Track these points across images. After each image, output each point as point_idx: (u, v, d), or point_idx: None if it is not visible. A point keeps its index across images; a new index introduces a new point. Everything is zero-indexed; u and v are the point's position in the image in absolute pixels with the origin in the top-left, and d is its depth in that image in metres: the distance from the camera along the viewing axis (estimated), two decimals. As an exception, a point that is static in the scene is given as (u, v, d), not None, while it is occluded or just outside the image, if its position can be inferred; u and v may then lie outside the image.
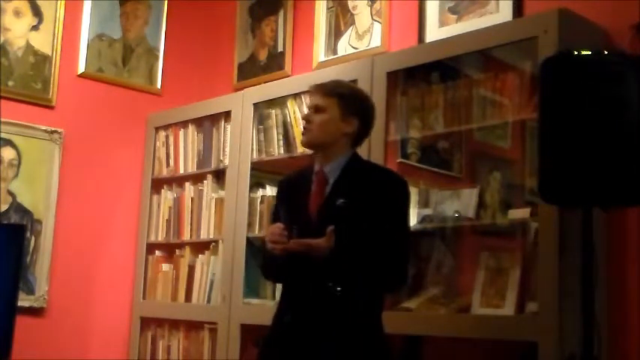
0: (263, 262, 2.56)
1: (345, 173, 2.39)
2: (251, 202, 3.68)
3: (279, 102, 3.67)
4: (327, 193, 2.37)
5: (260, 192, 3.72)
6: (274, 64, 4.17)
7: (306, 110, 3.45)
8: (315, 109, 2.41)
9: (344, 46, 3.83)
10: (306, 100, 3.51)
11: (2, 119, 3.78)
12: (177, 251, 4.10)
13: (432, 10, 3.44)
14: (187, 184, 4.07)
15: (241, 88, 4.04)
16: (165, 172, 4.24)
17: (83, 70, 4.15)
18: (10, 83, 3.88)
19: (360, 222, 2.28)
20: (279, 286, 3.05)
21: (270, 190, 3.66)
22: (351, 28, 3.82)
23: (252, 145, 3.72)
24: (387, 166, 2.99)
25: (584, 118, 2.27)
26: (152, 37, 4.42)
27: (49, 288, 3.91)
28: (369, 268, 2.29)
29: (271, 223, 2.52)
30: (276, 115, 3.67)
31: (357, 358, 2.27)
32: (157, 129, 4.30)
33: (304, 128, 2.43)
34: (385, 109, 3.14)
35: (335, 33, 3.89)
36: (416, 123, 3.17)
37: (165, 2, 4.48)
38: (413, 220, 3.19)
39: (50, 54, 4.01)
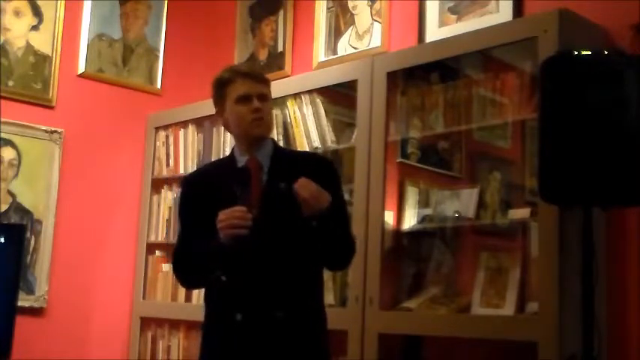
0: (189, 261, 2.33)
1: (276, 159, 2.36)
2: (251, 202, 3.68)
3: (279, 102, 3.66)
4: (265, 180, 2.31)
5: (260, 192, 3.71)
6: (274, 64, 4.17)
7: (305, 109, 3.50)
8: (261, 97, 2.34)
9: (344, 46, 3.83)
10: (305, 100, 3.51)
11: (2, 119, 3.78)
12: (178, 251, 4.09)
13: (432, 10, 3.44)
14: (187, 184, 4.07)
15: (241, 88, 4.03)
16: (165, 172, 4.24)
17: (83, 70, 4.15)
18: (10, 83, 3.88)
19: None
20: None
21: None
22: (351, 28, 3.82)
23: (252, 145, 3.71)
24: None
25: (584, 118, 2.27)
26: (152, 37, 4.42)
27: (49, 288, 3.91)
28: (338, 241, 2.30)
29: (184, 224, 2.40)
30: (276, 115, 3.67)
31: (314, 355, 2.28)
32: (157, 129, 4.30)
33: (259, 119, 2.31)
34: (385, 109, 3.14)
35: (335, 33, 3.89)
36: (416, 123, 3.17)
37: (165, 2, 4.48)
38: (413, 220, 3.20)
39: (50, 54, 4.01)
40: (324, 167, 2.40)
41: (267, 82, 2.41)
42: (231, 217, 2.13)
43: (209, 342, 2.34)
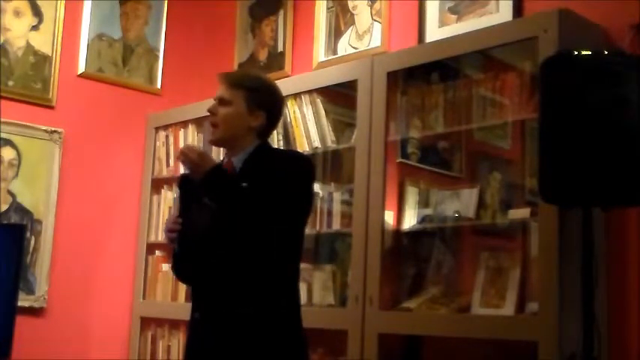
0: (173, 261, 2.49)
1: (250, 161, 2.33)
2: (251, 202, 3.67)
3: (279, 102, 3.66)
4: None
5: (260, 192, 3.71)
6: (274, 64, 4.17)
7: (305, 109, 3.50)
8: (220, 101, 2.35)
9: (344, 46, 3.83)
10: (305, 100, 3.52)
11: (2, 119, 3.78)
12: (178, 251, 4.09)
13: (432, 10, 3.44)
14: (187, 184, 4.07)
15: (241, 88, 4.03)
16: (165, 172, 4.23)
17: (83, 70, 4.15)
18: (10, 83, 3.88)
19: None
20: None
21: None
22: (351, 28, 3.82)
23: (252, 145, 3.71)
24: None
25: (584, 118, 2.27)
26: (152, 37, 4.42)
27: (49, 288, 3.91)
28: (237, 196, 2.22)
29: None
30: (276, 115, 3.67)
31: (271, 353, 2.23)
32: (157, 129, 4.30)
33: (211, 123, 2.37)
34: (385, 109, 3.14)
35: (335, 33, 3.89)
36: (416, 123, 3.17)
37: (165, 2, 4.48)
38: (413, 220, 3.20)
39: (50, 54, 4.01)
40: (288, 159, 2.39)
41: (235, 87, 2.35)
42: (168, 222, 2.36)
43: (186, 340, 2.47)
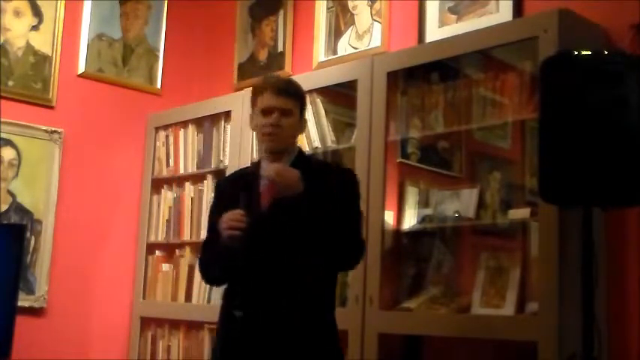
0: (208, 259, 2.49)
1: (294, 166, 2.38)
2: (251, 202, 3.68)
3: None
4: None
5: (260, 192, 3.71)
6: (274, 64, 4.17)
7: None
8: (282, 111, 2.38)
9: (344, 46, 3.83)
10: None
11: (2, 119, 3.78)
12: (178, 251, 4.10)
13: (432, 10, 3.44)
14: (187, 184, 4.08)
15: (241, 88, 4.03)
16: (165, 172, 4.24)
17: (83, 70, 4.15)
18: (10, 83, 3.88)
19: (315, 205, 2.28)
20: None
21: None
22: (351, 28, 3.82)
23: (252, 145, 3.72)
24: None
25: (584, 118, 2.27)
26: (152, 37, 4.42)
27: (49, 288, 3.91)
28: (330, 233, 2.30)
29: (209, 226, 2.54)
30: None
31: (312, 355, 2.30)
32: (157, 129, 4.30)
33: (270, 133, 2.38)
34: (385, 109, 3.15)
35: (335, 33, 3.89)
36: (416, 123, 3.17)
37: (165, 2, 4.48)
38: (413, 220, 3.20)
39: (50, 54, 4.01)
40: (342, 175, 2.47)
41: (294, 97, 2.43)
42: (230, 219, 2.27)
43: (217, 338, 2.47)
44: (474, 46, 2.96)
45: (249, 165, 2.61)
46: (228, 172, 3.81)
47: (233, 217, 2.27)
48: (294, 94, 2.43)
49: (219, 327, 2.47)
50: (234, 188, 2.46)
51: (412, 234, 3.20)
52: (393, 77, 3.18)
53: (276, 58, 4.16)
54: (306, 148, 3.45)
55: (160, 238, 4.19)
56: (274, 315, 2.29)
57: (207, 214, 2.69)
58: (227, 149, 3.85)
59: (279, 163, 2.36)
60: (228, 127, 3.87)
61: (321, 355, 2.33)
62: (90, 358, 4.04)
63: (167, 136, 4.25)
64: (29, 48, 3.95)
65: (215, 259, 2.42)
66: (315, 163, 2.52)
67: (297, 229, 2.27)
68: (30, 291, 3.83)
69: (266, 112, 2.39)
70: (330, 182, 2.36)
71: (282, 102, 2.39)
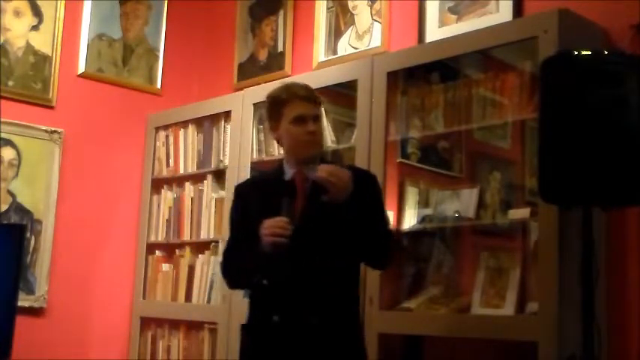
0: (238, 263, 2.49)
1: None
2: (251, 202, 3.68)
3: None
4: (309, 192, 2.41)
5: (260, 192, 3.71)
6: (274, 64, 4.17)
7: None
8: (316, 119, 2.44)
9: (344, 46, 3.83)
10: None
11: (2, 119, 3.78)
12: (178, 251, 4.10)
13: (432, 10, 3.44)
14: (187, 184, 4.08)
15: (241, 88, 4.04)
16: (165, 172, 4.24)
17: (83, 70, 4.15)
18: (10, 83, 3.88)
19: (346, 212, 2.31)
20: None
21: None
22: (351, 28, 3.82)
23: (252, 145, 3.72)
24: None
25: (584, 118, 2.27)
26: (152, 37, 4.42)
27: (49, 288, 3.91)
28: (375, 234, 2.37)
29: (233, 230, 2.55)
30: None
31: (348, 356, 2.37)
32: (157, 129, 4.30)
33: (312, 141, 2.42)
34: (385, 109, 3.15)
35: (335, 33, 3.89)
36: (416, 123, 3.17)
37: (165, 2, 4.48)
38: (413, 220, 3.20)
39: (50, 54, 4.01)
40: (367, 179, 2.50)
41: (320, 104, 2.51)
42: (274, 227, 2.28)
43: (247, 341, 2.49)
44: (473, 46, 2.96)
45: (265, 170, 2.63)
46: (228, 172, 3.82)
47: (277, 225, 2.27)
48: (319, 100, 2.49)
49: (250, 330, 2.47)
50: (257, 193, 2.50)
51: (412, 234, 3.20)
52: (393, 77, 3.18)
53: (276, 58, 4.16)
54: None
55: (160, 238, 4.19)
56: (312, 319, 2.32)
57: (228, 218, 2.66)
58: (227, 149, 3.85)
59: (312, 165, 2.38)
60: (228, 127, 3.87)
61: (354, 358, 2.41)
62: (90, 358, 4.04)
63: (167, 136, 4.25)
64: (29, 48, 3.95)
65: (250, 264, 2.41)
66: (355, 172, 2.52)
67: (342, 232, 2.30)
68: (30, 291, 3.83)
69: (299, 120, 2.41)
70: (363, 186, 2.38)
71: (313, 109, 2.44)
